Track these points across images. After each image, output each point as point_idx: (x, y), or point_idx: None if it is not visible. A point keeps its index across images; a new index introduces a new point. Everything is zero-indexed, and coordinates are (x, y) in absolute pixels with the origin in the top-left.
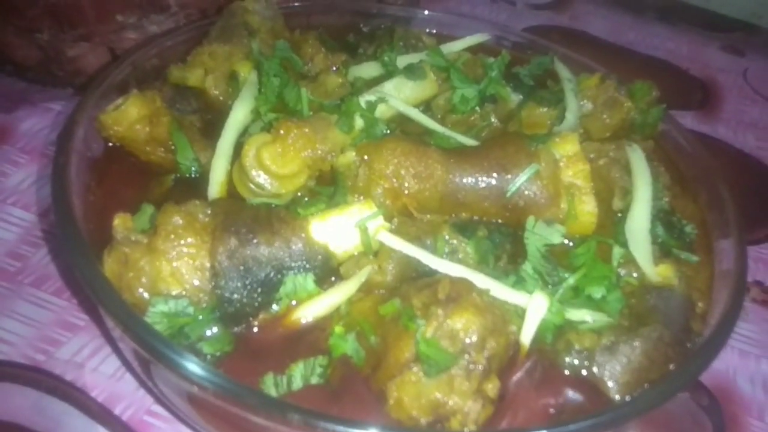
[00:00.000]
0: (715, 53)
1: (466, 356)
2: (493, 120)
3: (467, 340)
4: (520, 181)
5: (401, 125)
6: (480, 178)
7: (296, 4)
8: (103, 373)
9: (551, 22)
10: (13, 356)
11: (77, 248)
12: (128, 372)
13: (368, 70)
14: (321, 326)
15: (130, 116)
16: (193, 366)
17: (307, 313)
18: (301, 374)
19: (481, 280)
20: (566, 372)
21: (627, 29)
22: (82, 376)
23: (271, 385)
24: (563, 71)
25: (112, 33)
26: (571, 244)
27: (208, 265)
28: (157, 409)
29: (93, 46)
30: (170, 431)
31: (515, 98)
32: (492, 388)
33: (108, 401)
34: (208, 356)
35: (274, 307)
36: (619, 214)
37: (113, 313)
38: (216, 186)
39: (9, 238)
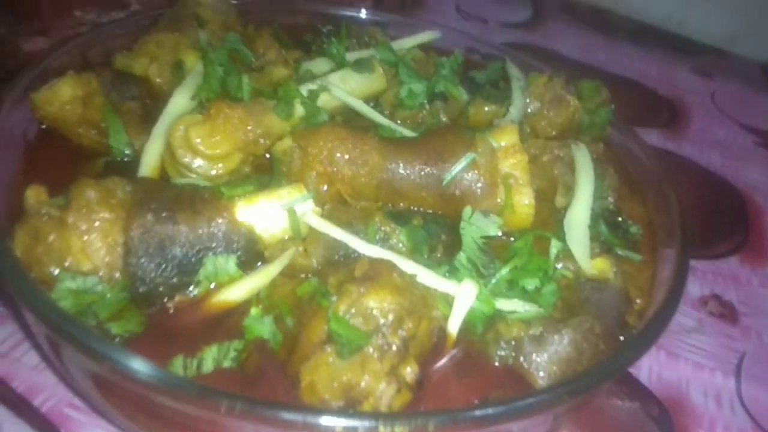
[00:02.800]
0: (685, 75)
1: (380, 335)
2: (443, 118)
3: (382, 320)
4: (457, 169)
5: (347, 120)
6: (417, 167)
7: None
8: (26, 363)
9: (523, 40)
10: None
11: None
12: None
13: (320, 65)
14: (241, 311)
15: (62, 96)
16: (92, 340)
17: (227, 296)
18: (213, 357)
19: (407, 266)
20: (495, 363)
21: (598, 49)
22: (4, 365)
23: (179, 367)
24: (513, 70)
25: (69, 28)
26: (512, 239)
27: (120, 240)
28: (79, 402)
29: (50, 41)
30: (90, 424)
31: (466, 98)
32: (409, 372)
33: (28, 392)
34: (117, 338)
35: (193, 289)
36: (562, 212)
37: (16, 287)
38: (147, 169)
39: None
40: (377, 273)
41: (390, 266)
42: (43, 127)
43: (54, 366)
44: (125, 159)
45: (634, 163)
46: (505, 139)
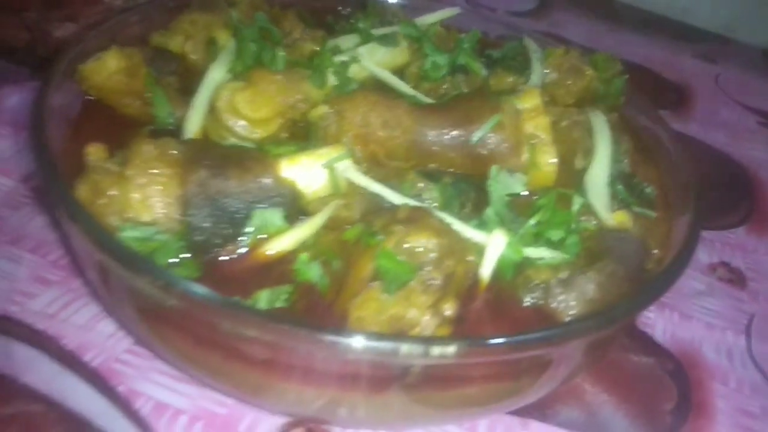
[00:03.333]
0: (689, 60)
1: (424, 271)
2: (463, 90)
3: (425, 257)
4: (484, 130)
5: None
6: (446, 129)
7: None
8: (74, 323)
9: (531, 28)
10: None
11: (49, 172)
12: (101, 322)
13: (345, 42)
14: (288, 260)
15: (109, 67)
16: (164, 273)
17: (275, 246)
18: (266, 299)
19: (442, 215)
20: (525, 304)
21: (604, 36)
22: (53, 325)
23: None
24: (531, 45)
25: (98, 14)
26: (535, 198)
27: (178, 193)
28: (127, 357)
29: (79, 28)
30: (138, 377)
31: (484, 72)
32: (448, 308)
33: (78, 349)
34: None
35: (244, 240)
36: (582, 173)
37: (88, 230)
38: (189, 135)
39: None
40: (419, 216)
41: (429, 212)
42: (90, 98)
43: (115, 313)
44: (168, 127)
45: (648, 132)
46: (528, 101)
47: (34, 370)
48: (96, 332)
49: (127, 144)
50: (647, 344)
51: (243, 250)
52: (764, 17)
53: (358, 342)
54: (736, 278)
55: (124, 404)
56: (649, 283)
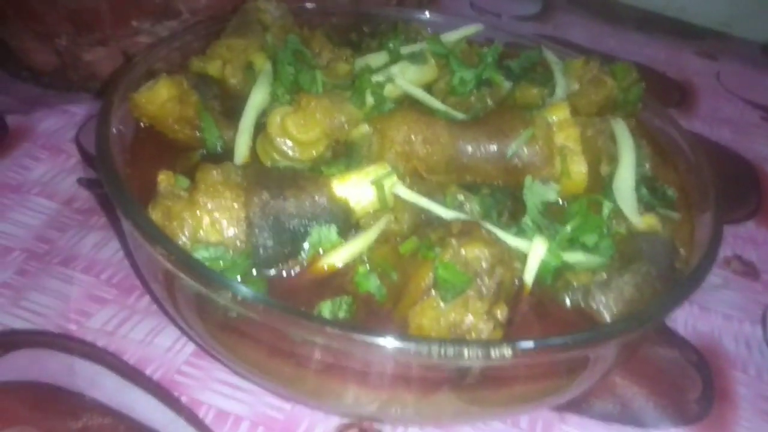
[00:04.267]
0: (690, 58)
1: (479, 280)
2: (489, 102)
3: (478, 267)
4: (518, 143)
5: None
6: (482, 143)
7: (302, 6)
8: (133, 339)
9: (536, 32)
10: (46, 326)
11: (125, 198)
12: (158, 336)
13: (373, 60)
14: (345, 272)
15: (161, 96)
16: (243, 289)
17: (332, 260)
18: (329, 310)
19: (486, 226)
20: (566, 306)
21: (607, 37)
22: (113, 342)
23: None
24: (551, 56)
25: (126, 38)
26: (565, 204)
27: (243, 216)
28: (186, 368)
29: (108, 51)
30: (199, 387)
31: (507, 85)
32: (501, 312)
33: (139, 363)
34: None
35: (302, 255)
36: (607, 179)
37: (168, 249)
38: (240, 158)
39: (36, 224)
40: (470, 229)
41: (478, 225)
42: (142, 125)
43: (188, 329)
44: (218, 150)
45: (663, 135)
46: (558, 114)
47: (99, 385)
48: (154, 346)
49: (180, 166)
50: (671, 337)
51: (303, 265)
52: (761, 12)
53: (424, 348)
54: (750, 271)
55: (188, 414)
56: (681, 281)
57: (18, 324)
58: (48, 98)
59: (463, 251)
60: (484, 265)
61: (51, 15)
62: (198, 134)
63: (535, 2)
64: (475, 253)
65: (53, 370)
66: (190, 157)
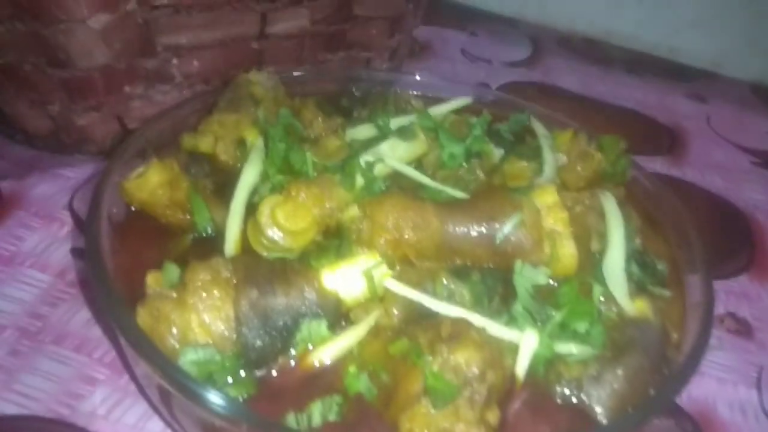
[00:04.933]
0: (681, 101)
1: (469, 387)
2: (479, 173)
3: (469, 373)
4: (507, 228)
5: (396, 181)
6: (471, 228)
7: (293, 74)
8: (125, 423)
9: (526, 78)
10: (39, 411)
11: (116, 306)
12: (150, 421)
13: (363, 131)
14: (335, 368)
15: (151, 183)
16: (231, 406)
17: (322, 355)
18: (319, 412)
19: (477, 320)
20: (558, 400)
21: (597, 82)
22: (106, 427)
23: (293, 423)
24: (539, 128)
25: (120, 103)
26: (555, 284)
27: (232, 315)
28: None
29: (101, 116)
30: None
31: (497, 153)
32: (493, 416)
33: None
34: (235, 399)
35: (292, 351)
36: (597, 256)
37: (153, 362)
38: (231, 243)
39: (28, 299)
40: (459, 332)
41: (468, 325)
42: (131, 209)
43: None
44: (209, 234)
45: (652, 203)
46: (546, 198)
47: None
48: (146, 431)
49: (171, 251)
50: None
51: (293, 362)
52: (749, 52)
53: None
54: (743, 329)
55: None
56: (673, 377)
57: (9, 409)
58: (42, 161)
59: (452, 357)
60: (474, 370)
61: (44, 83)
62: (189, 218)
63: (524, 46)
64: (465, 358)
65: None
66: (181, 241)
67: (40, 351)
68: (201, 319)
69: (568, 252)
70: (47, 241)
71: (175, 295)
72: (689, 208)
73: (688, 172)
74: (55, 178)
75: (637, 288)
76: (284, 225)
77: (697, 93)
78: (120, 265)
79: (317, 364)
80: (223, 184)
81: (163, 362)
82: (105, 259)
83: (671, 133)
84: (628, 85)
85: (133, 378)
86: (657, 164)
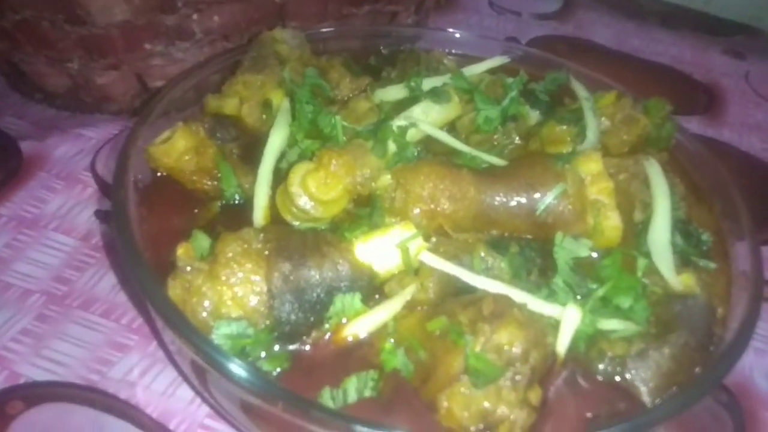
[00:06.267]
0: (718, 57)
1: (512, 368)
2: (514, 137)
3: (512, 353)
4: (549, 199)
5: (429, 146)
6: (510, 198)
7: (319, 30)
8: (156, 390)
9: (556, 32)
10: (69, 377)
11: (147, 279)
12: (180, 388)
13: (393, 93)
14: (369, 342)
15: (177, 148)
16: (263, 383)
17: (356, 329)
18: (354, 387)
19: (517, 295)
20: (600, 378)
21: (631, 36)
22: (135, 394)
23: (328, 399)
24: (580, 90)
25: (140, 60)
26: (596, 256)
27: (265, 288)
28: (209, 422)
29: (121, 74)
30: None
31: (533, 114)
32: (535, 396)
33: (162, 417)
34: (269, 373)
35: (326, 325)
36: (640, 226)
37: (185, 335)
38: (260, 211)
39: (54, 263)
40: (502, 311)
41: (510, 302)
42: (158, 174)
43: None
44: (237, 201)
45: (696, 169)
46: (591, 167)
47: None
48: (176, 398)
49: (199, 219)
50: None
51: (327, 336)
52: None
53: None
54: None
55: None
56: (719, 359)
57: (40, 375)
58: (62, 121)
59: (495, 337)
60: (518, 351)
61: (62, 41)
62: (216, 184)
63: None
64: (509, 338)
65: (77, 426)
66: (209, 209)
67: (68, 316)
68: (233, 293)
69: (612, 224)
70: (70, 203)
71: (206, 267)
72: (726, 170)
73: (725, 132)
74: (75, 138)
75: (681, 260)
76: (315, 194)
77: (734, 49)
78: (147, 232)
79: (351, 339)
80: (249, 147)
81: (197, 337)
82: (133, 230)
83: (708, 91)
84: (662, 40)
85: (162, 345)
86: (693, 124)
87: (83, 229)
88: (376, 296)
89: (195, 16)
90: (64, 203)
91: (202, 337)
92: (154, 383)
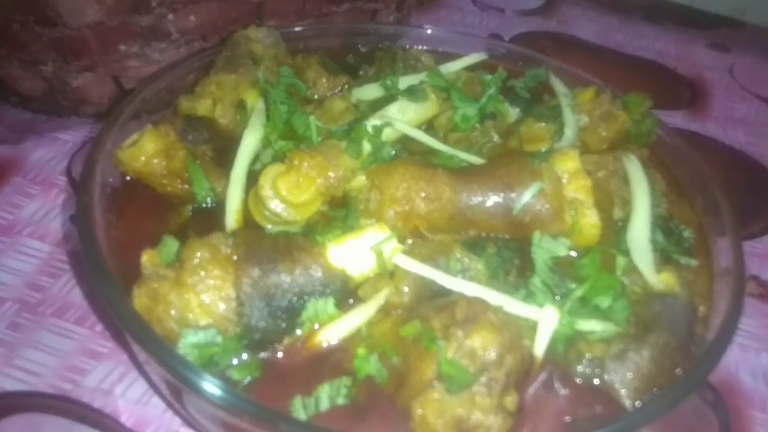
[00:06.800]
0: (702, 51)
1: (486, 373)
2: (493, 135)
3: (486, 358)
4: (526, 198)
5: (406, 145)
6: (487, 197)
7: (295, 29)
8: (131, 398)
9: (540, 28)
10: (41, 386)
11: (110, 289)
12: (155, 396)
13: (370, 92)
14: (343, 347)
15: (146, 151)
16: (228, 396)
17: (330, 335)
18: (327, 395)
19: (493, 297)
20: (578, 381)
21: (614, 31)
22: (110, 402)
23: (300, 408)
24: (559, 86)
25: (115, 62)
26: (575, 254)
27: (233, 295)
28: (185, 431)
29: (97, 76)
30: None
31: (513, 112)
32: (511, 401)
33: (137, 425)
34: (239, 383)
35: (298, 331)
36: (620, 223)
37: (148, 348)
38: (232, 215)
39: (28, 270)
40: (476, 315)
41: (485, 306)
42: (127, 178)
43: (164, 399)
44: (209, 205)
45: (678, 164)
46: (568, 165)
47: None
48: (152, 406)
49: (170, 222)
50: None
51: (299, 343)
52: None
53: None
54: (766, 293)
55: None
56: (702, 357)
57: (11, 385)
58: (38, 124)
59: (468, 342)
60: (492, 355)
61: (34, 43)
62: (188, 187)
63: None
64: (482, 342)
65: None
66: (180, 212)
67: (41, 324)
68: (200, 300)
69: (590, 222)
70: (45, 208)
71: (172, 274)
72: (710, 164)
73: (709, 126)
74: (52, 141)
75: (662, 257)
76: (287, 197)
77: (719, 42)
78: (116, 238)
79: (324, 345)
80: (223, 149)
81: (160, 351)
82: (98, 238)
83: (692, 85)
84: (646, 35)
85: (132, 356)
86: (677, 118)
87: (58, 235)
88: (351, 300)
89: (170, 16)
90: (39, 208)
91: (166, 351)
92: (129, 391)
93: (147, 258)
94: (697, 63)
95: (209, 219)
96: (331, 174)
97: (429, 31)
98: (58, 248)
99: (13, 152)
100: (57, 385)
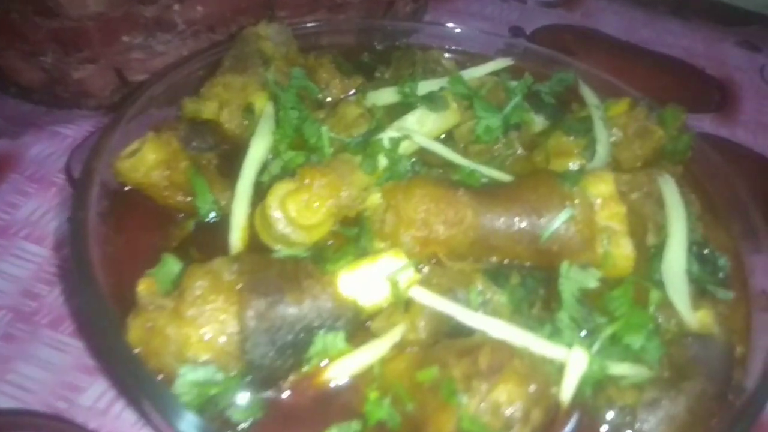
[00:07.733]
0: (731, 49)
1: (511, 431)
2: (517, 147)
3: (512, 413)
4: (555, 225)
5: (423, 157)
6: (512, 222)
7: (308, 25)
8: (126, 420)
9: (563, 20)
10: (35, 404)
11: (103, 321)
12: None
13: (386, 96)
14: (353, 386)
15: (146, 162)
16: None
17: (339, 372)
18: None
19: (518, 336)
20: (607, 429)
21: (640, 26)
22: (105, 423)
23: None
24: (590, 97)
25: (118, 54)
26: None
27: (236, 328)
28: None
29: (99, 68)
30: None
31: (538, 120)
32: None
33: None
34: (240, 424)
35: (305, 367)
36: (653, 250)
37: (141, 390)
38: (237, 232)
39: (23, 276)
40: (501, 364)
41: (510, 352)
42: (126, 189)
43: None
44: (213, 219)
45: (712, 183)
46: (601, 189)
47: None
48: (149, 430)
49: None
50: None
51: (305, 381)
52: None
53: None
54: None
55: None
56: (740, 411)
57: (4, 402)
58: (38, 117)
59: (492, 396)
60: (518, 410)
61: (33, 34)
62: (191, 200)
63: None
64: (508, 396)
65: None
66: (182, 227)
67: (36, 336)
68: (200, 334)
69: (624, 253)
70: (43, 208)
71: (171, 304)
72: (739, 173)
73: (739, 132)
74: (51, 136)
75: (697, 288)
76: (296, 219)
77: (749, 40)
78: (114, 255)
79: (333, 383)
80: (229, 157)
81: (152, 392)
82: (93, 260)
83: (721, 87)
84: (674, 31)
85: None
86: (705, 123)
87: (55, 238)
88: (363, 328)
89: (177, 7)
90: (36, 209)
91: (158, 393)
92: (125, 412)
93: (144, 287)
94: (727, 62)
95: (213, 235)
96: (344, 194)
97: (447, 29)
98: (55, 253)
99: (12, 147)
100: (51, 403)
